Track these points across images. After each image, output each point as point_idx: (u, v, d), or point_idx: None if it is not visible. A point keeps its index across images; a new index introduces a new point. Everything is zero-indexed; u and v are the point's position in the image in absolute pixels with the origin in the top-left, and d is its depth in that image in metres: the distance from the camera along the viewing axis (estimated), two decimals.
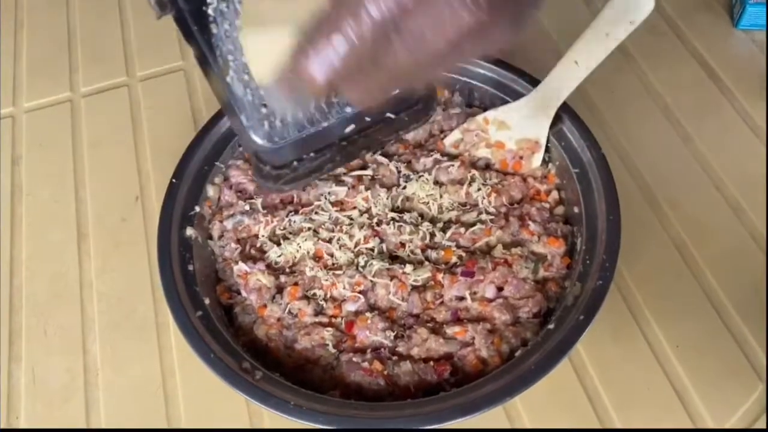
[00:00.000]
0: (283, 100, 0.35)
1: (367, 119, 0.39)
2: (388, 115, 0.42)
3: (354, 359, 0.47)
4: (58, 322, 0.56)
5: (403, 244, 0.52)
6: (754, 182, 0.60)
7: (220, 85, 0.36)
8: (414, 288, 0.50)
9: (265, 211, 0.55)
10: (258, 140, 0.37)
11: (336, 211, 0.54)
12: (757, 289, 0.54)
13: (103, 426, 0.51)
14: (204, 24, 0.34)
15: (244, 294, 0.51)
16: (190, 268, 0.51)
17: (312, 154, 0.39)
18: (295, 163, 0.38)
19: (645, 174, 0.61)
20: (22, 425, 0.52)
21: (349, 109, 0.38)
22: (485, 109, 0.58)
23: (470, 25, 0.28)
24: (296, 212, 0.54)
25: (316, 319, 0.50)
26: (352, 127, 0.39)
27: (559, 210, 0.55)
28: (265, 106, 0.36)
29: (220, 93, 0.36)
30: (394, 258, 0.52)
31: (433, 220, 0.54)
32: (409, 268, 0.50)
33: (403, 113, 0.42)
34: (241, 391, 0.44)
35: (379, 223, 0.53)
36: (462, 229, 0.52)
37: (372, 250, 0.52)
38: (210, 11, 0.34)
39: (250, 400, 0.44)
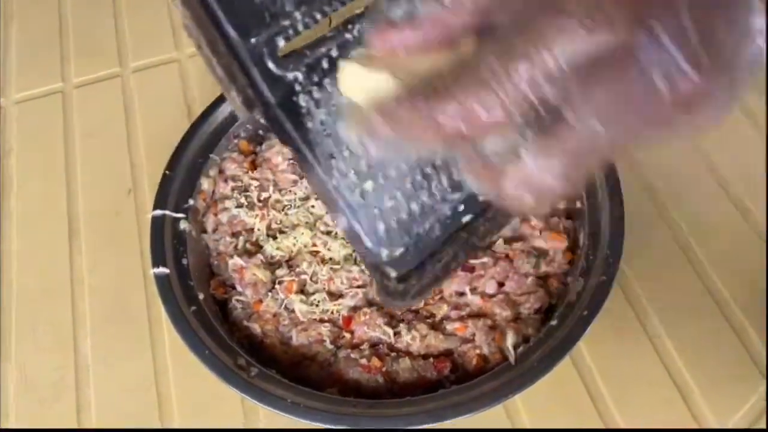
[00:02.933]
0: (377, 143, 0.27)
1: (481, 199, 0.32)
2: None
3: (352, 355, 0.46)
4: (49, 318, 0.55)
5: None
6: (757, 179, 0.59)
7: (334, 199, 0.30)
8: None
9: (261, 204, 0.54)
10: (379, 250, 0.30)
11: None
12: (760, 287, 0.54)
13: (95, 424, 0.50)
14: (298, 119, 0.29)
15: (239, 288, 0.50)
16: (184, 262, 0.50)
17: (435, 257, 0.32)
18: (418, 269, 0.32)
19: (647, 170, 0.60)
20: (12, 424, 0.50)
21: (456, 195, 0.32)
22: None
23: (682, 96, 0.22)
24: (292, 206, 0.53)
25: (314, 315, 0.49)
26: (468, 215, 0.32)
27: (561, 205, 0.54)
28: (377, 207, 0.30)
29: (328, 200, 0.30)
30: None
31: None
32: None
33: None
34: (237, 389, 0.43)
35: None
36: None
37: None
38: (302, 101, 0.29)
39: (246, 398, 0.43)
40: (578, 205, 0.52)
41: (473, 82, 0.23)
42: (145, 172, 0.62)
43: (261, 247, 0.52)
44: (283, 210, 0.54)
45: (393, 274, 0.31)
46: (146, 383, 0.51)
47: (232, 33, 0.27)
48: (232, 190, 0.55)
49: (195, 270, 0.50)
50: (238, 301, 0.50)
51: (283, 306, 0.49)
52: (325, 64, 0.29)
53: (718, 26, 0.22)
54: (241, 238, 0.53)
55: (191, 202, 0.53)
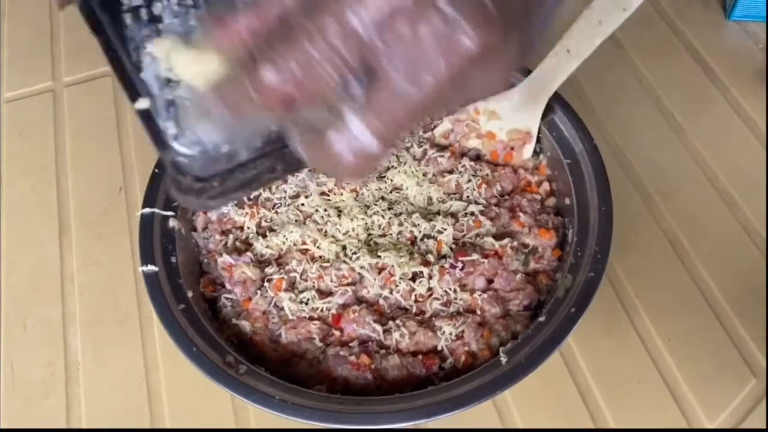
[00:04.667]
0: (213, 119, 0.28)
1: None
2: None
3: (341, 353, 0.46)
4: (39, 316, 0.55)
5: (391, 235, 0.51)
6: (746, 175, 0.59)
7: (131, 80, 0.31)
8: (402, 280, 0.49)
9: (250, 202, 0.54)
10: (178, 146, 0.30)
11: (324, 200, 0.53)
12: (750, 283, 0.54)
13: (84, 422, 0.50)
14: (116, 15, 0.30)
15: (228, 287, 0.50)
16: (173, 260, 0.49)
17: (247, 162, 0.31)
18: (224, 173, 0.30)
19: (637, 167, 0.60)
20: (1, 422, 0.50)
21: None
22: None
23: (475, 51, 0.23)
24: (282, 204, 0.53)
25: (303, 312, 0.48)
26: None
27: (551, 201, 0.54)
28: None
29: (132, 91, 0.31)
30: (382, 248, 0.51)
31: (421, 212, 0.53)
32: (396, 259, 0.49)
33: None
34: (225, 386, 0.43)
35: (368, 213, 0.52)
36: (451, 220, 0.51)
37: (360, 240, 0.51)
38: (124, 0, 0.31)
39: (234, 395, 0.43)
40: (567, 201, 0.52)
41: (287, 46, 0.24)
42: (136, 171, 0.62)
43: (251, 245, 0.52)
44: (273, 208, 0.54)
45: (190, 172, 0.30)
46: (136, 381, 0.51)
47: None
48: None
49: (184, 268, 0.50)
50: (227, 299, 0.50)
51: (272, 304, 0.49)
52: None
53: None
54: (230, 236, 0.53)
55: None
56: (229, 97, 0.26)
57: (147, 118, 0.30)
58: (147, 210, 0.51)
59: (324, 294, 0.49)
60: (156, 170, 0.52)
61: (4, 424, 0.50)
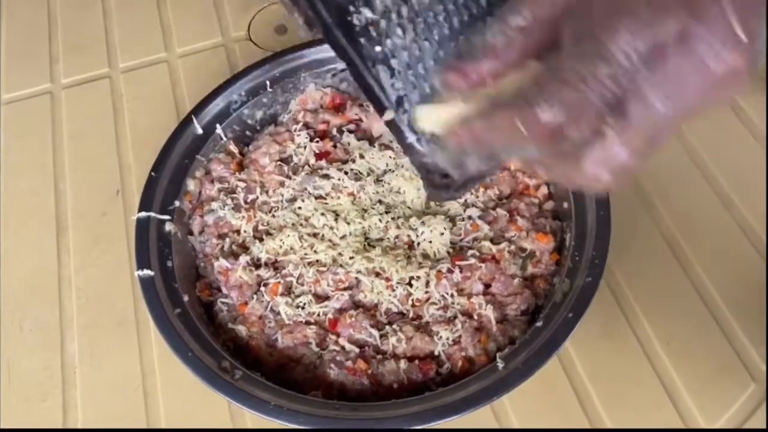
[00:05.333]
0: (476, 156, 0.32)
1: None
2: None
3: (337, 358, 0.46)
4: (36, 318, 0.55)
5: (388, 239, 0.51)
6: (745, 177, 0.59)
7: (378, 97, 0.34)
8: (399, 284, 0.49)
9: (247, 206, 0.53)
10: (422, 149, 0.34)
11: (321, 204, 0.53)
12: (749, 285, 0.53)
13: (81, 424, 0.50)
14: (351, 35, 0.34)
15: (224, 291, 0.50)
16: (169, 264, 0.50)
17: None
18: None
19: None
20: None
21: None
22: None
23: (725, 75, 0.26)
24: (279, 207, 0.53)
25: (299, 317, 0.48)
26: None
27: (549, 205, 0.54)
28: None
29: (379, 106, 0.35)
30: (378, 249, 0.51)
31: (419, 215, 0.53)
32: (393, 263, 0.49)
33: None
34: (220, 391, 0.43)
35: (365, 217, 0.52)
36: (449, 224, 0.51)
37: (357, 244, 0.51)
38: (355, 21, 0.34)
39: (229, 400, 0.43)
40: (565, 206, 0.52)
41: (560, 85, 0.27)
42: (134, 173, 0.62)
43: (247, 248, 0.52)
44: (269, 212, 0.53)
45: (437, 170, 0.34)
46: (133, 384, 0.51)
47: None
48: (219, 191, 0.55)
49: (180, 272, 0.50)
50: (223, 303, 0.50)
51: (268, 308, 0.49)
52: None
53: (750, 12, 0.26)
54: (227, 239, 0.53)
55: (177, 203, 0.53)
56: (482, 134, 0.30)
57: (393, 127, 0.34)
58: (143, 214, 0.51)
59: (320, 298, 0.49)
60: (153, 174, 0.52)
61: (1, 425, 0.50)
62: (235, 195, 0.54)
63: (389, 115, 0.34)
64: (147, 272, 0.48)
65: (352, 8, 0.34)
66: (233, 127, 0.57)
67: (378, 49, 0.34)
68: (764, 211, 0.57)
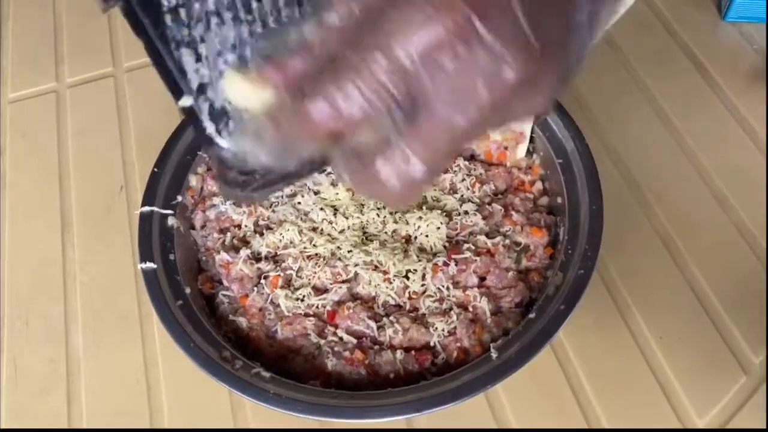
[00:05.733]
0: (260, 142, 0.29)
1: None
2: None
3: (336, 349, 0.47)
4: (41, 312, 0.56)
5: (386, 233, 0.52)
6: (740, 175, 0.60)
7: (174, 80, 0.32)
8: (396, 277, 0.50)
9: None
10: (222, 141, 0.31)
11: (320, 199, 0.54)
12: (742, 282, 0.54)
13: (85, 416, 0.51)
14: (156, 14, 0.31)
15: (226, 283, 0.51)
16: (172, 257, 0.50)
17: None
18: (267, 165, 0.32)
19: (631, 167, 0.61)
20: (3, 416, 0.51)
21: None
22: None
23: (516, 80, 0.24)
24: (279, 203, 0.54)
25: (299, 309, 0.49)
26: None
27: (543, 200, 0.55)
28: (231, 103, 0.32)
29: (176, 91, 0.32)
30: (376, 243, 0.52)
31: (416, 210, 0.53)
32: (391, 257, 0.50)
33: None
34: (221, 380, 0.44)
35: (363, 212, 0.53)
36: (445, 219, 0.52)
37: (355, 238, 0.52)
38: (164, 0, 0.32)
39: (230, 389, 0.44)
40: (559, 200, 0.53)
41: (335, 81, 0.24)
42: (137, 170, 0.63)
43: (248, 243, 0.53)
44: (270, 207, 0.54)
45: (235, 166, 0.31)
46: (136, 376, 0.52)
47: None
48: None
49: (183, 265, 0.51)
50: (224, 295, 0.51)
51: (268, 301, 0.50)
52: None
53: (547, 19, 0.24)
54: (228, 234, 0.53)
55: (180, 198, 0.54)
56: (282, 126, 0.27)
57: (191, 115, 0.32)
58: (146, 208, 0.52)
59: (319, 291, 0.50)
60: (155, 169, 0.53)
61: (7, 417, 0.51)
62: None
63: (187, 101, 0.32)
64: (150, 265, 0.49)
65: None
66: None
67: (185, 32, 0.32)
68: (757, 209, 0.58)
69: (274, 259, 0.52)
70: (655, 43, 0.69)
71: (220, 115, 0.31)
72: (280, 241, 0.52)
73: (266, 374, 0.45)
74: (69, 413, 0.51)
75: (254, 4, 0.32)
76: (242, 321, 0.50)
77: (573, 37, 0.25)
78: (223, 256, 0.51)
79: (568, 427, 0.49)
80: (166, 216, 0.52)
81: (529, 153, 0.56)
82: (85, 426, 0.51)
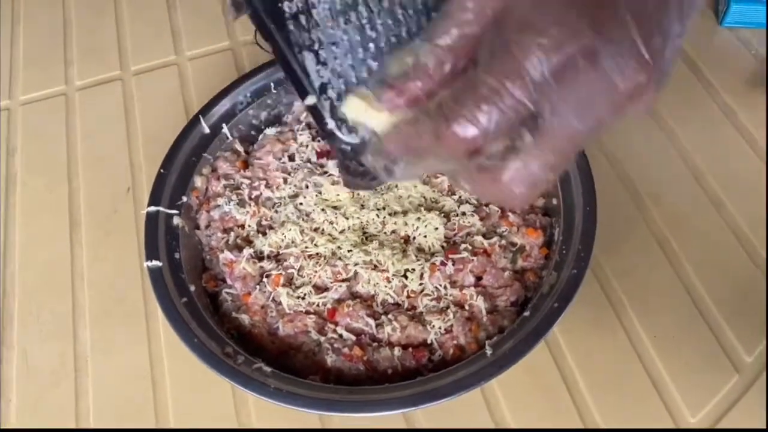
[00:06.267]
0: (384, 160, 0.33)
1: None
2: None
3: (335, 345, 0.48)
4: (50, 309, 0.57)
5: (385, 233, 0.53)
6: (736, 178, 0.61)
7: (300, 81, 0.35)
8: (395, 277, 0.51)
9: (251, 202, 0.56)
10: (343, 136, 0.35)
11: (321, 200, 0.55)
12: (736, 283, 0.55)
13: (92, 409, 0.52)
14: (281, 21, 0.35)
15: (229, 282, 0.53)
16: (177, 256, 0.52)
17: None
18: None
19: (628, 169, 0.62)
20: (13, 409, 0.53)
21: None
22: None
23: (633, 91, 0.27)
24: (282, 203, 0.56)
25: (300, 307, 0.51)
26: None
27: (539, 202, 0.56)
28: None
29: (302, 90, 0.36)
30: (376, 243, 0.53)
31: (415, 211, 0.55)
32: (389, 257, 0.51)
33: None
34: (223, 375, 0.45)
35: (363, 212, 0.54)
36: (443, 220, 0.53)
37: (355, 238, 0.53)
38: (285, 8, 0.35)
39: (232, 383, 0.45)
40: (554, 202, 0.54)
41: (476, 100, 0.28)
42: (144, 172, 0.64)
43: (251, 242, 0.54)
44: (273, 207, 0.56)
45: (355, 159, 0.35)
46: (142, 371, 0.54)
47: None
48: (225, 188, 0.57)
49: (187, 264, 0.52)
50: (227, 293, 0.52)
51: (270, 298, 0.51)
52: None
53: (654, 35, 0.27)
54: (232, 233, 0.55)
55: (185, 199, 0.55)
56: (410, 143, 0.30)
57: (315, 112, 0.35)
58: (152, 208, 0.53)
59: (320, 289, 0.51)
60: (162, 170, 0.55)
61: (16, 410, 0.53)
62: (240, 191, 0.56)
63: (311, 99, 0.35)
64: (155, 263, 0.50)
65: None
66: (239, 127, 0.60)
67: (306, 36, 0.34)
68: (752, 212, 0.58)
69: (276, 258, 0.53)
70: None
71: (339, 114, 0.34)
72: (282, 240, 0.53)
73: (267, 369, 0.46)
74: (77, 406, 0.53)
75: (369, 13, 0.35)
76: (245, 318, 0.51)
77: (670, 47, 0.28)
78: (227, 255, 0.53)
79: (562, 424, 0.50)
80: (171, 216, 0.53)
81: None
82: (92, 419, 0.52)
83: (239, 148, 0.59)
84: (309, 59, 0.35)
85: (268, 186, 0.57)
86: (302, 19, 0.35)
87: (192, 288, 0.50)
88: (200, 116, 0.58)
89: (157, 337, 0.55)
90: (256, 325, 0.51)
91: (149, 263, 0.50)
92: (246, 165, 0.59)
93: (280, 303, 0.51)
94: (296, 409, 0.44)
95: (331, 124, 0.35)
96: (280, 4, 0.35)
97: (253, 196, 0.56)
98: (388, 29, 0.36)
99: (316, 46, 0.35)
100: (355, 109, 0.33)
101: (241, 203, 0.56)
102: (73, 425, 0.52)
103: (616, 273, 0.56)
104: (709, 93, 0.66)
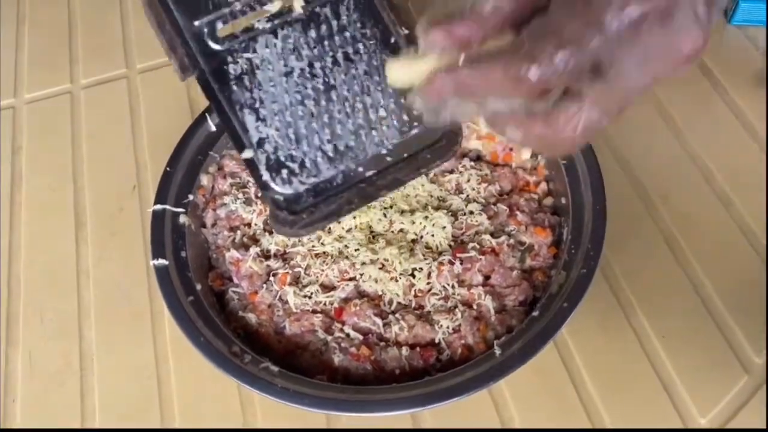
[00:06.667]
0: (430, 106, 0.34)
1: (388, 159, 0.39)
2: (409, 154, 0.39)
3: (342, 345, 0.48)
4: (55, 308, 0.57)
5: (392, 232, 0.53)
6: (744, 177, 0.60)
7: (239, 136, 0.37)
8: (402, 276, 0.51)
9: (258, 200, 0.56)
10: (276, 187, 0.37)
11: None
12: (745, 283, 0.55)
13: (98, 408, 0.52)
14: (225, 81, 0.37)
15: (236, 280, 0.52)
16: (183, 254, 0.52)
17: (330, 197, 0.38)
18: (311, 207, 0.38)
19: (636, 168, 0.61)
20: (19, 408, 0.53)
21: (369, 151, 0.38)
22: None
23: (692, 50, 0.29)
24: None
25: (306, 306, 0.50)
26: (372, 170, 0.38)
27: (548, 201, 0.56)
28: (285, 155, 0.37)
29: (239, 145, 0.37)
30: (383, 242, 0.53)
31: (422, 210, 0.54)
32: (397, 255, 0.51)
33: (425, 151, 0.39)
34: (230, 374, 0.45)
35: (370, 211, 0.54)
36: (451, 218, 0.53)
37: (362, 236, 0.53)
38: (230, 69, 0.37)
39: (238, 383, 0.45)
40: (563, 201, 0.53)
41: (557, 44, 0.29)
42: (149, 170, 0.64)
43: (258, 241, 0.54)
44: None
45: (285, 207, 0.37)
46: (147, 370, 0.53)
47: (178, 16, 0.35)
48: (231, 186, 0.57)
49: (194, 262, 0.52)
50: (234, 292, 0.52)
51: (277, 297, 0.51)
52: (253, 42, 0.37)
53: (710, 2, 0.29)
54: (238, 232, 0.55)
55: (191, 197, 0.55)
56: (468, 82, 0.31)
57: (250, 164, 0.37)
58: (159, 207, 0.53)
59: (327, 288, 0.51)
60: (168, 169, 0.55)
61: (21, 409, 0.53)
62: (246, 190, 0.56)
63: (248, 153, 0.37)
64: (162, 261, 0.50)
65: (230, 58, 0.37)
66: None
67: (247, 95, 0.37)
68: (760, 210, 0.58)
69: (283, 257, 0.53)
70: None
71: (275, 165, 0.37)
72: (289, 239, 0.53)
73: (274, 368, 0.46)
74: (82, 405, 0.53)
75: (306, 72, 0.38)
76: (251, 317, 0.51)
77: (715, 15, 0.30)
78: (233, 254, 0.52)
79: (570, 425, 0.50)
80: (177, 214, 0.53)
81: (534, 154, 0.57)
82: (97, 418, 0.52)
83: None
84: (249, 116, 0.37)
85: None
86: (246, 79, 0.37)
87: (198, 287, 0.50)
88: (207, 114, 0.57)
89: (162, 335, 0.55)
90: (262, 324, 0.50)
91: (155, 262, 0.50)
92: None
93: (286, 302, 0.51)
94: (303, 409, 0.44)
95: (266, 176, 0.37)
96: (225, 66, 0.37)
97: (259, 195, 0.56)
98: (330, 87, 0.38)
99: (257, 105, 0.37)
100: (396, 72, 0.35)
101: (248, 202, 0.55)
102: (79, 424, 0.52)
103: (624, 272, 0.56)
104: (717, 91, 0.66)
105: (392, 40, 0.38)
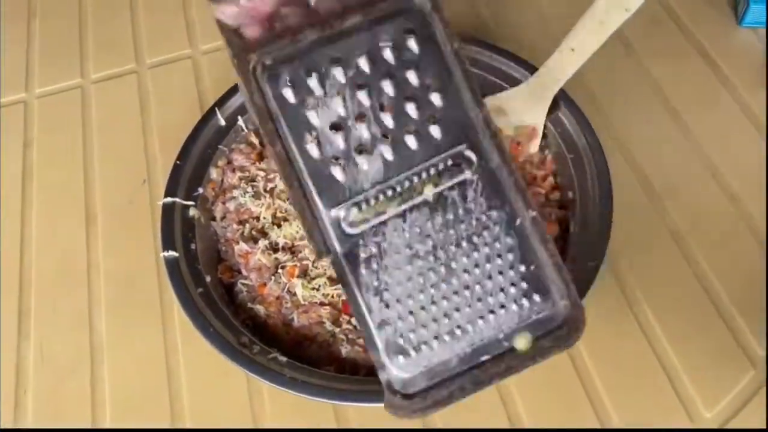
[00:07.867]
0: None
1: (505, 344, 0.39)
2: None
3: (350, 336, 0.49)
4: (66, 301, 0.58)
5: None
6: (751, 174, 0.60)
7: (364, 316, 0.38)
8: None
9: (267, 194, 0.56)
10: (393, 369, 0.38)
11: None
12: (751, 278, 0.55)
13: (108, 399, 0.53)
14: (356, 263, 0.38)
15: (244, 273, 0.53)
16: (193, 247, 0.52)
17: (443, 381, 0.39)
18: (424, 391, 0.38)
19: (643, 164, 0.61)
20: (30, 400, 0.53)
21: (486, 335, 0.39)
22: (483, 96, 0.58)
23: None
24: None
25: (314, 298, 0.51)
26: (487, 355, 0.39)
27: (555, 195, 0.56)
28: (405, 338, 0.38)
29: (363, 322, 0.38)
30: None
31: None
32: None
33: (545, 338, 0.40)
34: (239, 364, 0.45)
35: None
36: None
37: None
38: (361, 253, 0.38)
39: (247, 373, 0.46)
40: (570, 195, 0.53)
41: None
42: (159, 164, 0.64)
43: (266, 234, 0.54)
44: (287, 199, 0.56)
45: (399, 391, 0.38)
46: (157, 361, 0.54)
47: (319, 205, 0.37)
48: (240, 180, 0.57)
49: (203, 255, 0.52)
50: (243, 284, 0.53)
51: (285, 289, 0.51)
52: (383, 226, 0.38)
53: None
54: (247, 225, 0.55)
55: (200, 190, 0.55)
56: None
57: (370, 343, 0.38)
58: (168, 200, 0.53)
59: (334, 281, 0.51)
60: (178, 162, 0.55)
61: (33, 400, 0.53)
62: (255, 183, 0.57)
63: (372, 340, 0.38)
64: (172, 254, 0.51)
65: (361, 241, 0.37)
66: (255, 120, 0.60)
67: (374, 278, 0.38)
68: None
69: (291, 249, 0.54)
70: (670, 44, 0.70)
71: (394, 348, 0.38)
72: (297, 232, 0.54)
73: (283, 359, 0.46)
74: (93, 396, 0.53)
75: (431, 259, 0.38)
76: (260, 309, 0.51)
77: None
78: (242, 247, 0.53)
79: (578, 422, 0.50)
80: (187, 207, 0.54)
81: (541, 148, 0.57)
82: (108, 409, 0.52)
83: (254, 140, 0.60)
84: (374, 298, 0.38)
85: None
86: (374, 262, 0.38)
87: (208, 279, 0.51)
88: (216, 108, 0.58)
89: (172, 327, 0.55)
90: (271, 316, 0.51)
91: (165, 254, 0.51)
92: (261, 157, 0.59)
93: (294, 294, 0.51)
94: (311, 399, 0.44)
95: (384, 358, 0.38)
96: (356, 249, 0.37)
97: (268, 188, 0.56)
98: (451, 272, 0.38)
99: (381, 287, 0.38)
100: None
101: (257, 195, 0.56)
102: (89, 415, 0.52)
103: (631, 267, 0.56)
104: (725, 89, 0.66)
105: (517, 222, 0.38)
